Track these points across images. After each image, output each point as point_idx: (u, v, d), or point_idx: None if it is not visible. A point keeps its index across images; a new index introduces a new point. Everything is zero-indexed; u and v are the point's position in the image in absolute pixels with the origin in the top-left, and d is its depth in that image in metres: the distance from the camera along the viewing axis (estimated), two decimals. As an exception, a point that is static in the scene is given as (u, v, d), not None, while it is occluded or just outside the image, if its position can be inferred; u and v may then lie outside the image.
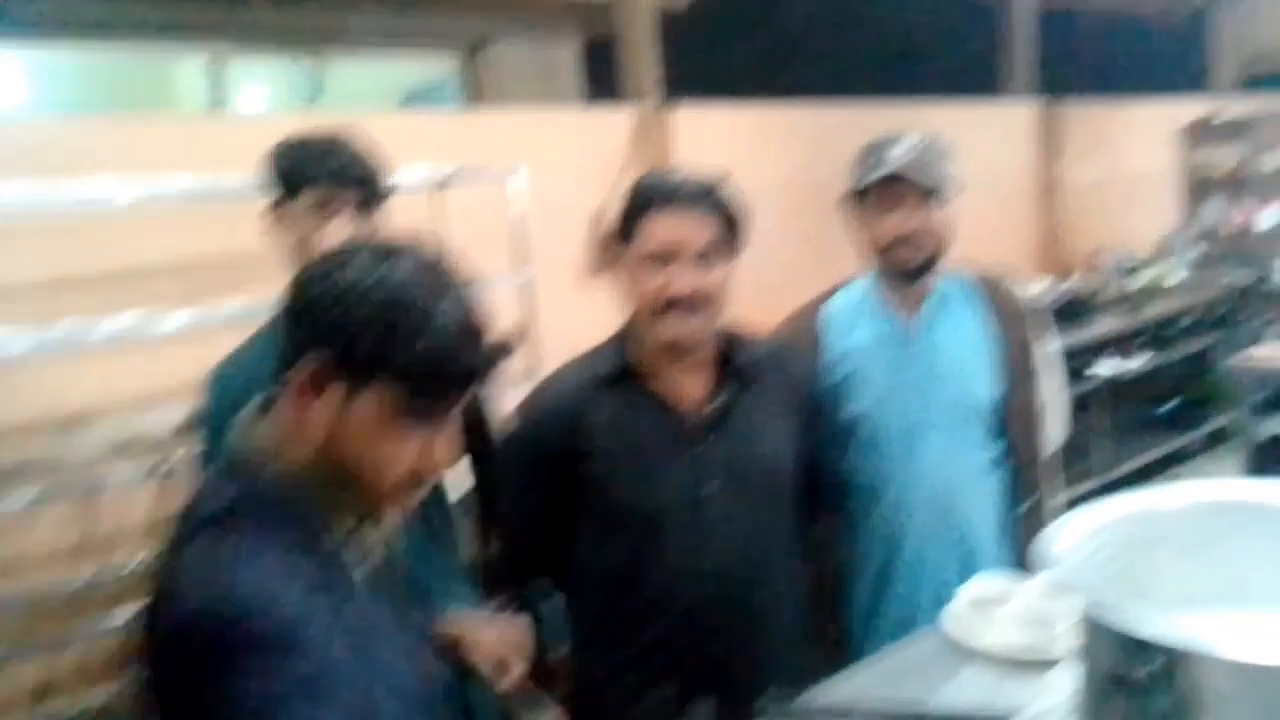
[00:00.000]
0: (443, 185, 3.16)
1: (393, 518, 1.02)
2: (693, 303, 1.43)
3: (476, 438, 1.70)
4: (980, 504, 1.77)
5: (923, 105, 5.37)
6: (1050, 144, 5.99)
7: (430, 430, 0.95)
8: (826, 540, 1.82)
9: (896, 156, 1.70)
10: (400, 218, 3.27)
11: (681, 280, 1.42)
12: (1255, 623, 1.22)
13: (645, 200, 1.46)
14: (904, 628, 1.62)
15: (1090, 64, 7.26)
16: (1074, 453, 4.93)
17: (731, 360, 1.53)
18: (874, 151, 1.74)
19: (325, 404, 0.92)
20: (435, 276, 0.96)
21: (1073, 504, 4.25)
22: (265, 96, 5.43)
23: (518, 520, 1.58)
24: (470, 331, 0.95)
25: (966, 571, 1.63)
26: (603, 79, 4.64)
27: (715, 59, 5.22)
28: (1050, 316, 1.89)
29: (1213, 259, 6.37)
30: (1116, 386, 4.99)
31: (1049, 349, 1.89)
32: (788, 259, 4.16)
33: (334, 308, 0.90)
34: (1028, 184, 5.93)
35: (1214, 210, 6.94)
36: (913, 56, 6.13)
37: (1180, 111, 7.02)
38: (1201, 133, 6.98)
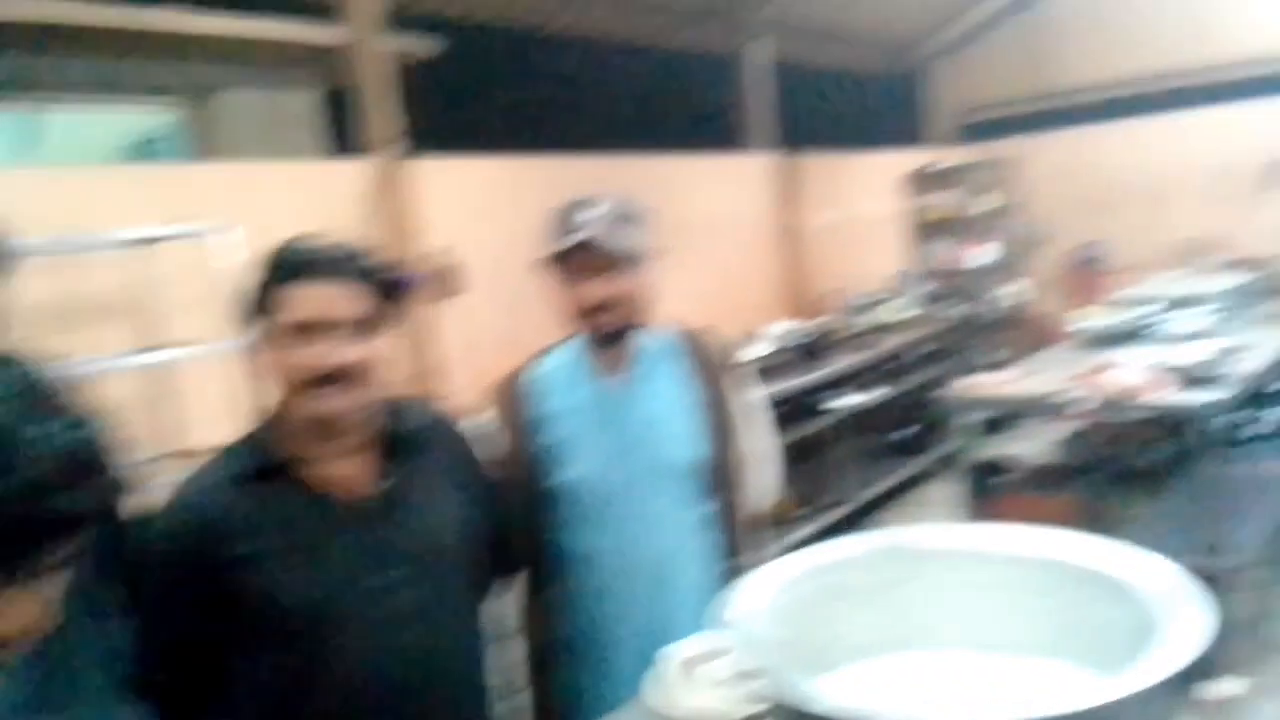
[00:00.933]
0: (146, 244, 2.90)
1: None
2: (346, 378, 1.33)
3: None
4: (693, 564, 1.77)
5: (667, 158, 5.57)
6: (788, 193, 6.36)
7: (15, 590, 0.79)
8: (541, 613, 1.76)
9: (586, 222, 1.66)
10: (104, 279, 3.05)
11: (332, 354, 1.32)
12: (933, 664, 1.27)
13: (287, 270, 1.34)
14: (620, 696, 1.58)
15: (822, 118, 7.80)
16: (820, 483, 5.22)
17: (397, 435, 1.43)
18: (566, 217, 1.70)
19: None
20: (28, 397, 0.77)
21: (824, 534, 4.42)
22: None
23: (160, 648, 1.34)
24: (71, 468, 0.76)
25: (681, 633, 1.61)
26: (342, 130, 4.47)
27: (461, 111, 5.17)
28: (754, 370, 1.92)
29: (937, 296, 6.96)
30: (857, 418, 5.31)
31: (754, 401, 1.92)
32: (532, 310, 4.15)
33: None
34: (769, 231, 6.26)
35: (936, 250, 7.63)
36: (658, 111, 6.34)
37: (903, 161, 7.68)
38: (922, 180, 7.68)
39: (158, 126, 5.30)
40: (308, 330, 1.32)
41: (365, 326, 1.35)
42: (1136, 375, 3.13)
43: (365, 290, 1.35)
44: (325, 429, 1.35)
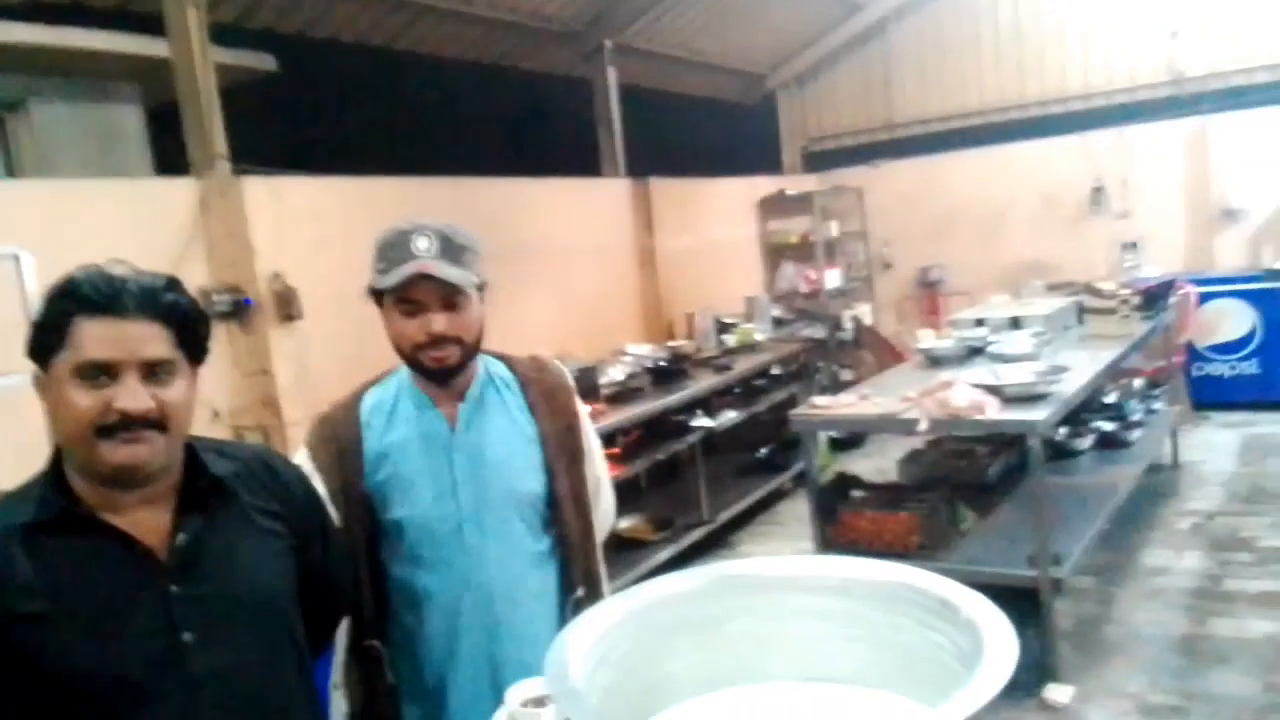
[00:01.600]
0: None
1: None
2: (143, 425, 1.20)
3: None
4: (535, 598, 1.70)
5: (522, 181, 5.52)
6: (643, 218, 6.41)
7: None
8: (376, 656, 1.66)
9: (416, 254, 1.55)
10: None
11: (126, 398, 1.19)
12: (762, 700, 1.25)
13: (74, 303, 1.20)
14: (465, 736, 1.50)
15: (677, 144, 7.94)
16: (681, 502, 5.25)
17: (197, 481, 1.31)
18: (391, 248, 1.58)
19: None
20: None
21: (684, 556, 4.37)
22: None
23: None
24: None
25: (524, 672, 1.55)
26: (176, 148, 4.22)
27: (301, 130, 4.99)
28: (585, 393, 1.87)
29: (789, 318, 7.15)
30: (716, 438, 5.37)
31: (591, 434, 1.87)
32: (373, 336, 4.00)
33: None
34: (626, 255, 6.30)
35: (788, 274, 7.85)
36: (512, 134, 6.30)
37: (755, 187, 7.89)
38: (773, 206, 7.90)
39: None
40: (96, 372, 1.19)
41: (163, 369, 1.23)
42: (968, 395, 3.27)
43: (164, 329, 1.23)
44: (116, 482, 1.22)
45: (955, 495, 3.91)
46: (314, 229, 4.12)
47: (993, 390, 3.36)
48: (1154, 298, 5.07)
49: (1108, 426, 4.93)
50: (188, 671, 1.22)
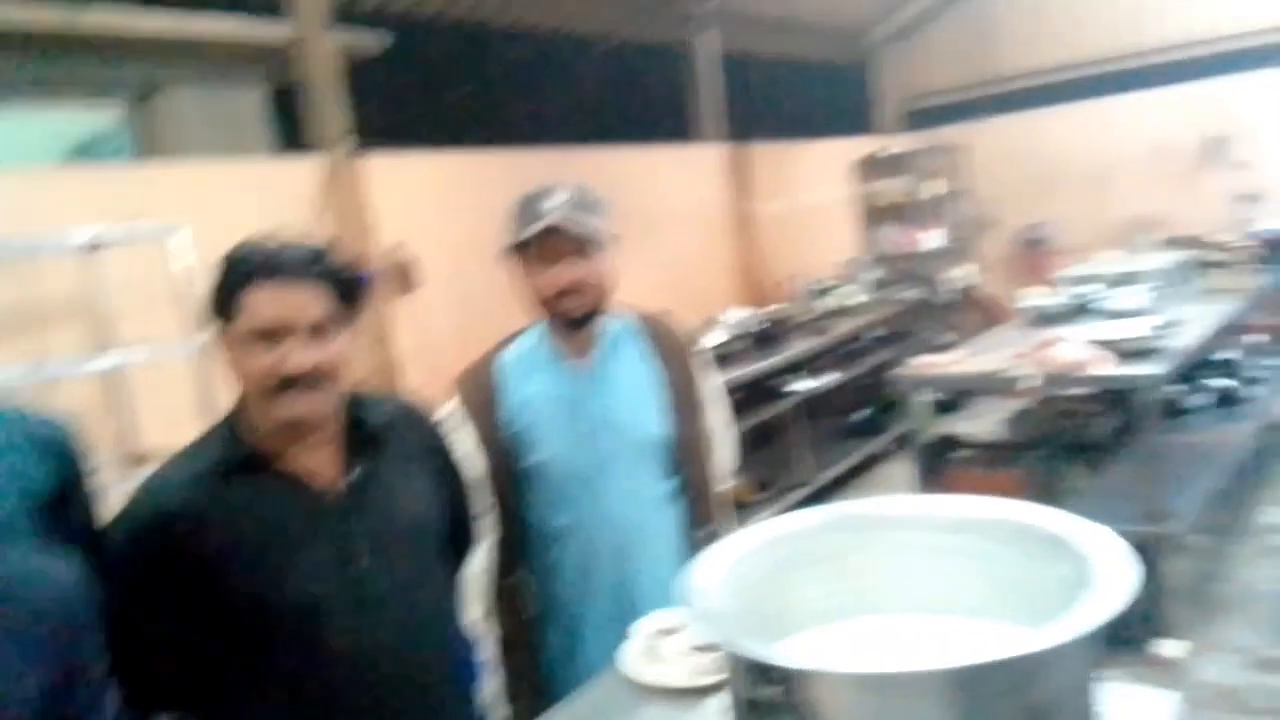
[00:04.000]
0: (95, 247, 2.88)
1: None
2: (311, 380, 1.33)
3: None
4: (662, 536, 1.83)
5: (620, 149, 5.60)
6: (740, 182, 6.43)
7: None
8: (519, 589, 1.81)
9: (550, 210, 1.71)
10: (55, 281, 3.02)
11: (296, 358, 1.32)
12: (882, 630, 1.33)
13: (244, 273, 1.33)
14: (594, 668, 1.62)
15: (773, 107, 7.89)
16: (780, 465, 5.31)
17: (361, 428, 1.45)
18: (528, 206, 1.74)
19: None
20: None
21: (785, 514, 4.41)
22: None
23: (134, 649, 1.32)
24: None
25: (653, 604, 1.67)
26: (292, 127, 4.45)
27: (410, 106, 5.17)
28: (710, 355, 1.98)
29: (889, 280, 7.08)
30: (814, 402, 5.40)
31: (713, 384, 1.98)
32: (488, 303, 4.18)
33: None
34: (723, 220, 6.33)
35: (886, 236, 7.75)
36: (610, 103, 6.37)
37: (851, 148, 7.79)
38: (871, 167, 7.79)
39: (100, 127, 5.21)
40: (268, 335, 1.32)
41: (326, 328, 1.35)
42: (1077, 351, 3.24)
43: (324, 291, 1.35)
44: (291, 430, 1.37)
45: (1064, 453, 3.87)
46: (427, 201, 4.30)
47: (1104, 345, 3.31)
48: (1275, 249, 4.87)
49: (1225, 383, 4.78)
50: (364, 593, 1.38)
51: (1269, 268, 4.79)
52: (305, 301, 1.34)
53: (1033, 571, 1.25)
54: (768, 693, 1.05)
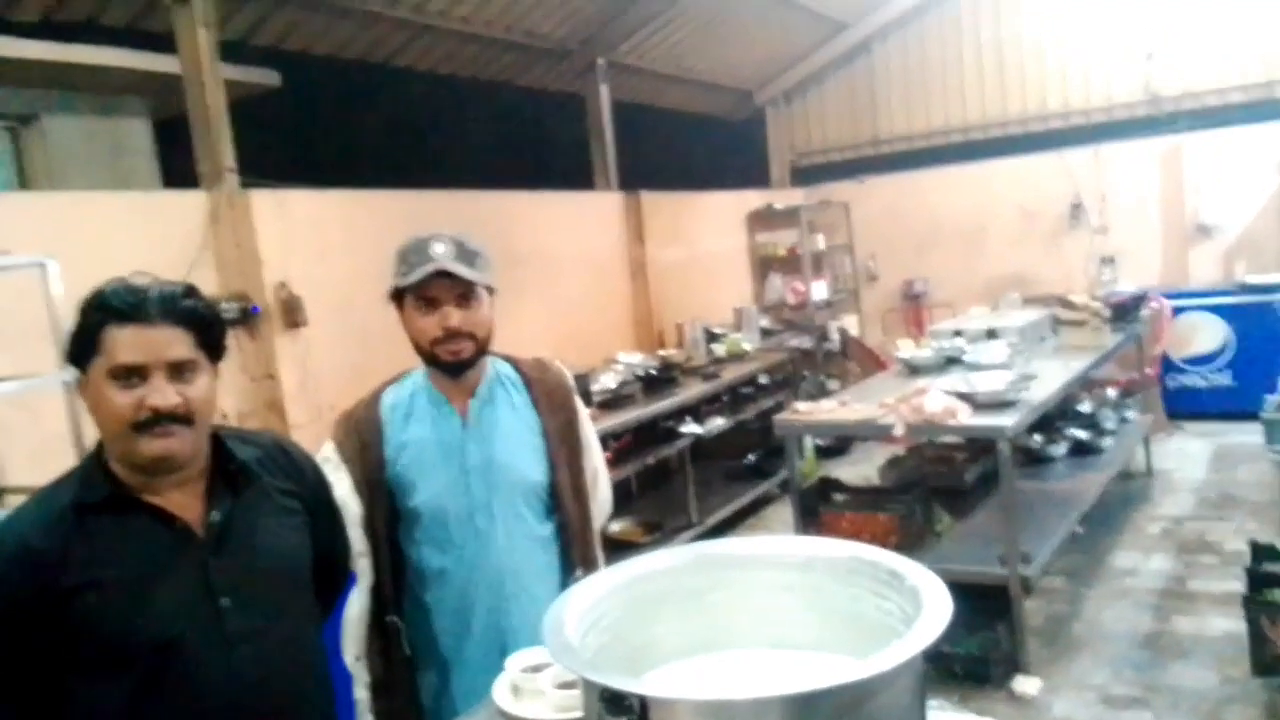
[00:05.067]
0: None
1: None
2: (171, 420, 1.35)
3: None
4: (539, 578, 1.88)
5: (517, 194, 5.69)
6: (634, 230, 6.59)
7: None
8: (395, 630, 1.83)
9: (434, 256, 1.76)
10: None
11: (155, 398, 1.34)
12: (729, 662, 1.41)
13: (105, 313, 1.35)
14: (469, 703, 1.65)
15: (668, 158, 8.12)
16: (670, 506, 5.40)
17: (228, 465, 1.47)
18: (412, 251, 1.79)
19: None
20: None
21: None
22: None
23: None
24: None
25: (531, 642, 1.71)
26: (185, 159, 4.38)
27: (303, 144, 5.14)
28: (580, 397, 2.04)
29: (776, 328, 7.32)
30: (704, 444, 5.53)
31: (589, 427, 2.05)
32: (374, 342, 4.17)
33: None
34: (618, 266, 6.47)
35: (776, 285, 8.03)
36: (508, 148, 6.46)
37: (743, 201, 8.08)
38: (762, 219, 8.08)
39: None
40: (128, 374, 1.34)
41: (187, 368, 1.37)
42: (940, 401, 3.44)
43: (186, 332, 1.37)
44: (151, 470, 1.38)
45: (933, 498, 4.07)
46: (318, 239, 4.28)
47: (965, 397, 3.53)
48: (1125, 310, 5.26)
49: (1081, 434, 5.11)
50: (225, 632, 1.39)
51: (1121, 326, 5.17)
52: (166, 342, 1.36)
53: (870, 606, 1.35)
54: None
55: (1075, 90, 7.72)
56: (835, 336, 7.82)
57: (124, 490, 1.39)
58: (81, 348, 1.37)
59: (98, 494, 1.37)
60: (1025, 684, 3.41)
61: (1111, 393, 5.78)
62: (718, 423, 5.60)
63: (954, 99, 8.17)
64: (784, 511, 5.50)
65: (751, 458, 6.16)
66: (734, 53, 7.85)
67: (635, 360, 5.63)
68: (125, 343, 1.34)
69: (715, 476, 5.97)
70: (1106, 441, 5.14)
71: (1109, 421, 5.36)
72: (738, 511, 5.77)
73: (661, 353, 6.05)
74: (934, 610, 1.21)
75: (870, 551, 1.39)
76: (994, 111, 8.04)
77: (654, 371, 5.45)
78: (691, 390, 5.45)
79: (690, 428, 5.36)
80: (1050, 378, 4.01)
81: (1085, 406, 5.46)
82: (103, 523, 1.37)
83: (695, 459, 5.50)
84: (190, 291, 1.42)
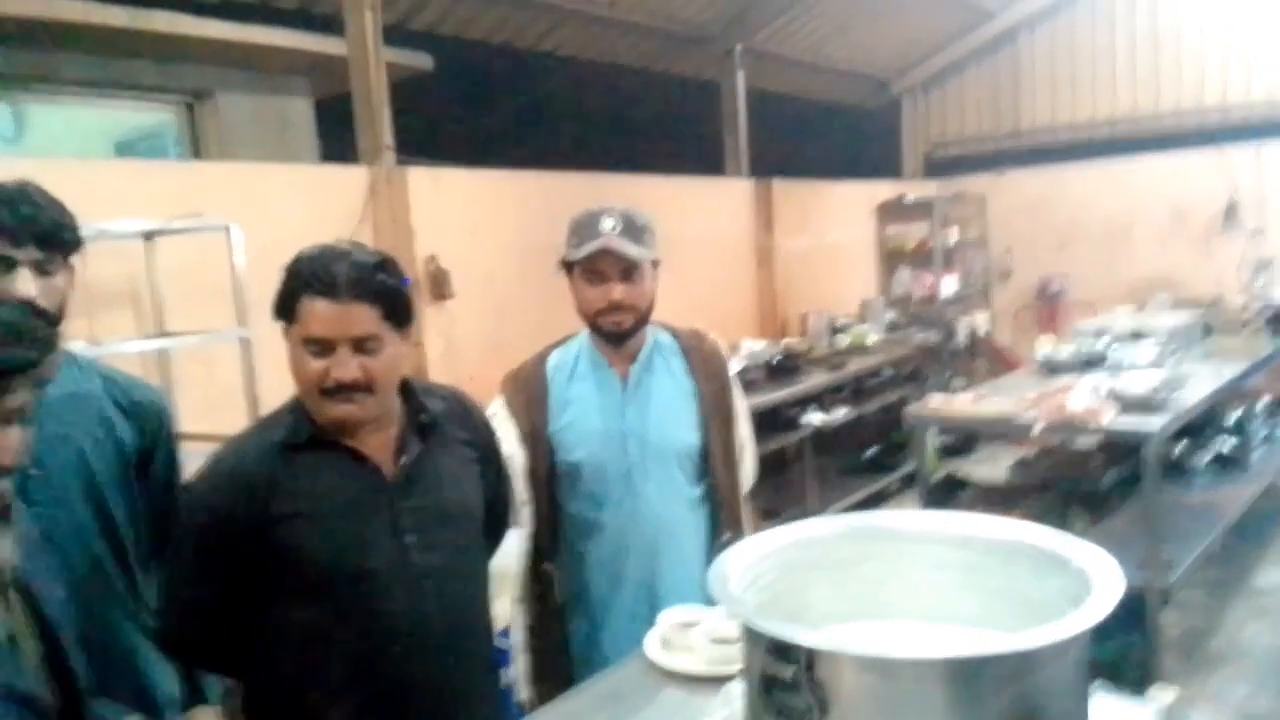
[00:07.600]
0: (151, 237, 3.02)
1: None
2: (355, 388, 1.45)
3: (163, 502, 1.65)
4: (689, 537, 1.96)
5: (650, 178, 5.76)
6: (763, 218, 6.58)
7: None
8: (550, 578, 1.93)
9: (602, 232, 1.85)
10: (112, 269, 3.16)
11: (338, 371, 1.43)
12: (887, 631, 1.44)
13: (302, 284, 1.44)
14: (620, 656, 1.73)
15: (799, 146, 8.06)
16: (788, 495, 5.40)
17: (417, 415, 1.58)
18: (582, 226, 1.89)
19: None
20: None
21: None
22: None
23: (192, 601, 1.51)
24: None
25: (677, 599, 1.78)
26: (336, 137, 4.62)
27: (452, 124, 5.33)
28: (737, 373, 2.11)
29: (903, 322, 7.20)
30: (824, 435, 5.50)
31: (742, 399, 2.11)
32: (516, 316, 4.32)
33: None
34: (745, 253, 6.47)
35: (904, 279, 7.88)
36: (642, 132, 6.54)
37: (875, 191, 7.95)
38: (892, 211, 7.94)
39: (144, 126, 5.39)
40: (319, 344, 1.44)
41: (371, 342, 1.46)
42: (1084, 400, 3.34)
43: (373, 307, 1.45)
44: (333, 428, 1.50)
45: (1067, 501, 3.96)
46: (466, 216, 4.45)
47: (1110, 396, 3.42)
48: (1284, 317, 4.98)
49: (1227, 445, 4.87)
50: (411, 566, 1.50)
51: (1276, 334, 4.90)
52: (354, 318, 1.45)
53: (1031, 585, 1.36)
54: (784, 671, 1.16)
55: (1236, 84, 7.29)
56: (963, 333, 7.63)
57: (324, 434, 1.51)
58: (283, 308, 1.49)
59: (303, 434, 1.51)
60: (1162, 693, 3.29)
61: (1262, 403, 5.47)
62: (840, 413, 5.57)
63: (1103, 91, 7.83)
64: (904, 505, 5.44)
65: (872, 451, 6.10)
66: (873, 41, 7.73)
67: (759, 347, 5.64)
68: (316, 315, 1.44)
69: (833, 468, 5.94)
70: (1255, 454, 4.88)
71: (1258, 434, 5.09)
72: (855, 505, 5.72)
73: (785, 341, 6.04)
74: (1104, 591, 1.22)
75: (1035, 531, 1.40)
76: (1146, 105, 7.67)
77: (777, 359, 5.45)
78: (814, 380, 5.43)
79: (812, 417, 5.34)
80: (1201, 382, 3.84)
81: (1233, 417, 5.19)
82: (307, 460, 1.50)
83: (816, 450, 5.49)
84: (382, 265, 1.51)
